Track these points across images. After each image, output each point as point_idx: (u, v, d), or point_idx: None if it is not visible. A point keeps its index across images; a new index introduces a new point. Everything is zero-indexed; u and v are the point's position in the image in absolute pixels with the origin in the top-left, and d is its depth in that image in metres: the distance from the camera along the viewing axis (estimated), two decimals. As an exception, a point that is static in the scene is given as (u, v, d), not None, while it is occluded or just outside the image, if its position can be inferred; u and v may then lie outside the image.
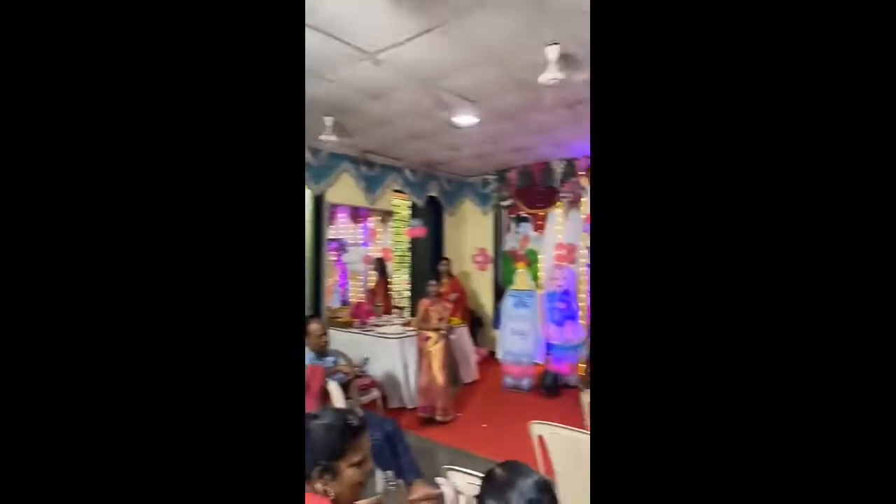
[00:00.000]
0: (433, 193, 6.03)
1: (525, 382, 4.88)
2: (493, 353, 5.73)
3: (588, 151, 4.97)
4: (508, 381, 4.94)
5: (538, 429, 1.94)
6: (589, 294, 4.77)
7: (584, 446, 1.73)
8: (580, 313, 5.09)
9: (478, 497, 0.94)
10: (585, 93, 3.20)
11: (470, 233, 6.54)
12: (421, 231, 5.90)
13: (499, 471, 0.94)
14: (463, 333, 5.06)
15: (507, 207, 6.05)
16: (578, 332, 4.93)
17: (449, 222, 6.44)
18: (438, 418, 3.82)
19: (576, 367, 4.85)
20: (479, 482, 0.97)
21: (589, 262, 5.09)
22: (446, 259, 5.65)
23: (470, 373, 5.06)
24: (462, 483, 1.35)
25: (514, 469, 0.94)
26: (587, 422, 2.32)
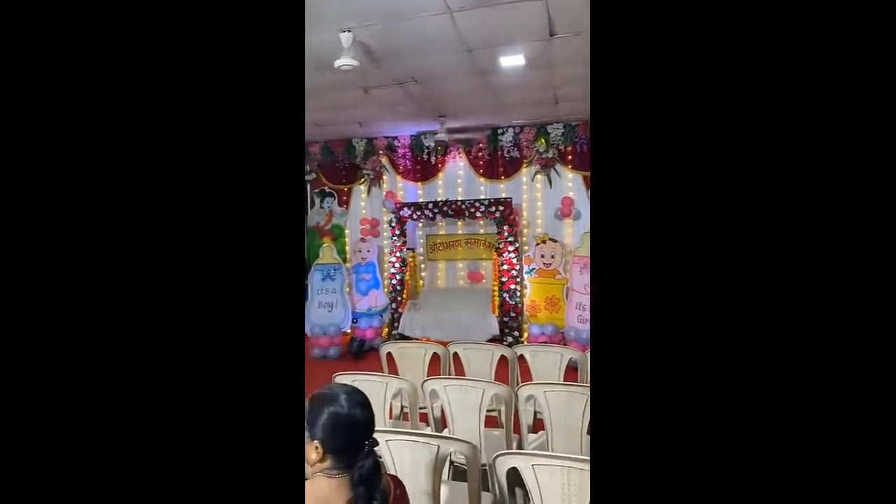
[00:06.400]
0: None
1: (332, 351, 5.22)
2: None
3: (386, 132, 5.68)
4: (317, 352, 5.21)
5: (341, 379, 2.24)
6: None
7: (381, 388, 2.16)
8: (383, 282, 5.69)
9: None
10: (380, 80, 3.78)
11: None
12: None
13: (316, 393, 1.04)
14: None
15: (309, 181, 6.19)
16: (381, 299, 5.49)
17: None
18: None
19: (379, 330, 5.54)
20: None
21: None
22: None
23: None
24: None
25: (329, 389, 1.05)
26: (386, 370, 2.91)
